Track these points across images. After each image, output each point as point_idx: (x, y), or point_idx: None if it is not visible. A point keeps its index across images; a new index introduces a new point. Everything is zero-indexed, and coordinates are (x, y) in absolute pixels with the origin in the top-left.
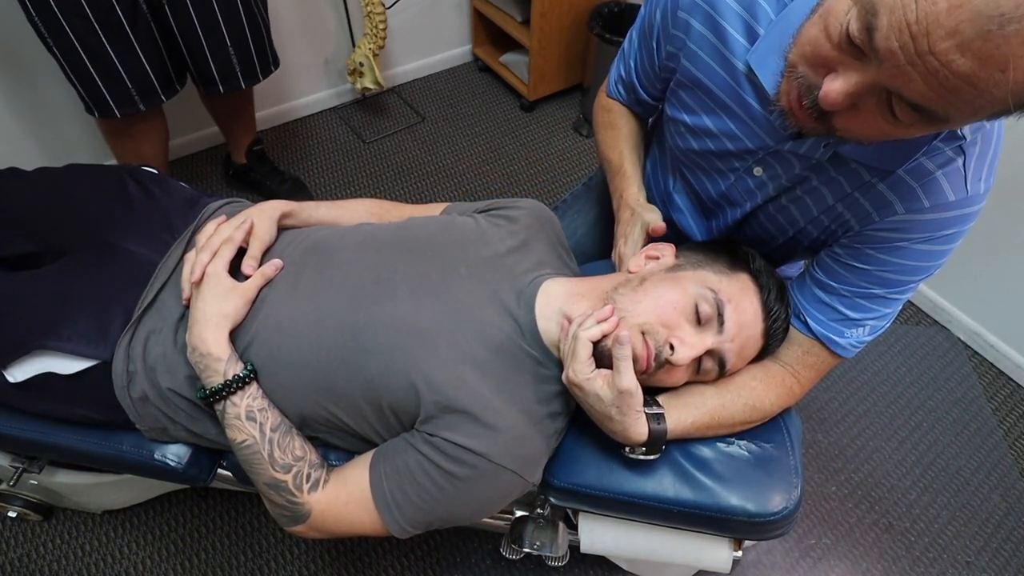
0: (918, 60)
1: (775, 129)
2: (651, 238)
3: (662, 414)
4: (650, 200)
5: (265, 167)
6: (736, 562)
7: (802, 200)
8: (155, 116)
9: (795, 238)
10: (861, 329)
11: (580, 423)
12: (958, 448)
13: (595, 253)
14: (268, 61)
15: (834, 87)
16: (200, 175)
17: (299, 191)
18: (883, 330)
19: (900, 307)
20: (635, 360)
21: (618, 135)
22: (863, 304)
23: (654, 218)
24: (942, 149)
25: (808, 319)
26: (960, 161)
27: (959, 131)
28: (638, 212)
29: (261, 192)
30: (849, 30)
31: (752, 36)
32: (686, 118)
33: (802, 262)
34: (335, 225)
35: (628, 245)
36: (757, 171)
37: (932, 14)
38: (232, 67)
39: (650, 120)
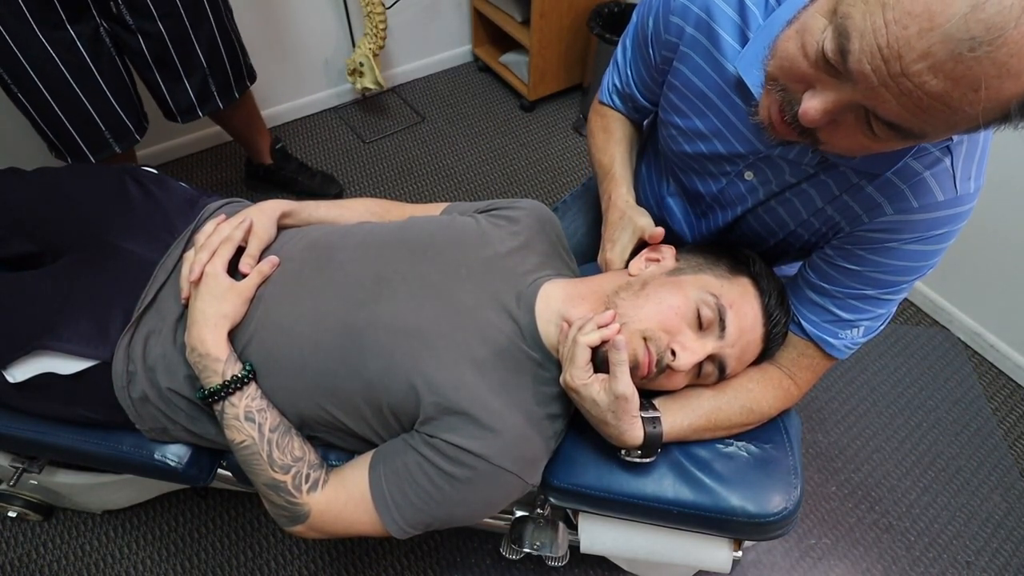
0: (891, 82)
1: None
2: (642, 243)
3: (658, 417)
4: (642, 202)
5: (292, 163)
6: (736, 562)
7: (791, 203)
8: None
9: (786, 240)
10: (855, 330)
11: (580, 424)
12: (958, 448)
13: (595, 254)
14: (243, 75)
15: (812, 105)
16: (201, 175)
17: (330, 184)
18: (878, 331)
19: (895, 307)
20: (637, 366)
21: (611, 139)
22: (856, 305)
23: (647, 223)
24: (929, 150)
25: (802, 321)
26: (948, 161)
27: None
28: (628, 215)
29: (292, 190)
30: (824, 49)
31: (744, 40)
32: (677, 120)
33: (799, 262)
34: (335, 224)
35: (616, 250)
36: (748, 175)
37: (903, 38)
38: (208, 88)
39: (645, 122)
